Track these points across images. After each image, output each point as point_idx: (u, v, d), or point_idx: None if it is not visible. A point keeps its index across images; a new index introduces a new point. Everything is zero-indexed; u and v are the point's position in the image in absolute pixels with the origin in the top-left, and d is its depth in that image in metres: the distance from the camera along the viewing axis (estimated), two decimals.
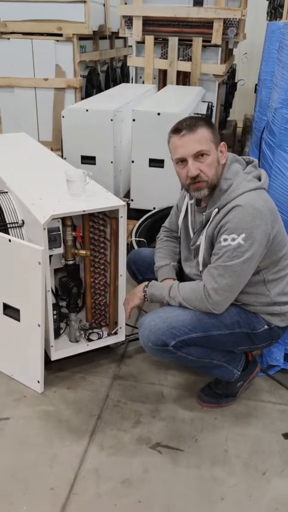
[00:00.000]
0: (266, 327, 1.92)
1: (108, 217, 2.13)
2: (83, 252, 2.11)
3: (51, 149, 4.32)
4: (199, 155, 1.78)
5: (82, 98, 4.59)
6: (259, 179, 1.84)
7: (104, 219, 2.15)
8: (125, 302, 2.09)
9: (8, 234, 2.11)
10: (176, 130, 1.81)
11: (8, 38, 4.60)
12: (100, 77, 5.15)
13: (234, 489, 1.75)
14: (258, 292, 1.87)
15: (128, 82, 5.93)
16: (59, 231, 2.02)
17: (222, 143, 1.84)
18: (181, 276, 2.09)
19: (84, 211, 1.98)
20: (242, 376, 2.07)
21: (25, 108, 4.81)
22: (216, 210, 1.81)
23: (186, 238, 2.05)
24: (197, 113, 3.59)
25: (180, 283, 1.91)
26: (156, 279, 2.10)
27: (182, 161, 1.82)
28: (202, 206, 1.93)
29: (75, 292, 2.17)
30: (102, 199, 2.09)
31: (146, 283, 2.00)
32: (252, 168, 1.87)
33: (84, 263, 2.19)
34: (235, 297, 1.84)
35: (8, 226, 2.13)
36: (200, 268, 1.93)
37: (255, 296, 1.88)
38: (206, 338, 1.83)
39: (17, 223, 2.15)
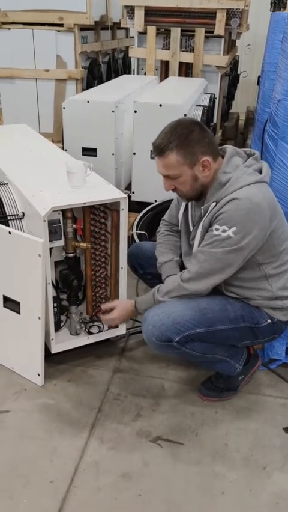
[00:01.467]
0: (269, 321, 1.90)
1: (109, 209, 2.11)
2: (83, 244, 2.09)
3: (52, 141, 4.29)
4: (169, 177, 1.81)
5: (83, 90, 4.54)
6: (260, 172, 1.81)
7: (105, 211, 2.13)
8: (113, 319, 2.12)
9: (8, 226, 2.09)
10: (152, 145, 1.82)
11: (9, 28, 4.54)
12: (101, 68, 5.10)
13: (235, 483, 1.74)
14: (260, 288, 1.86)
15: (129, 73, 5.88)
16: (60, 223, 2.00)
17: (205, 158, 1.75)
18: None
19: (85, 203, 1.96)
20: (244, 370, 2.06)
21: (26, 99, 4.76)
22: (214, 203, 1.79)
23: (186, 233, 2.03)
24: (199, 105, 3.55)
25: (160, 285, 1.95)
26: (158, 274, 2.09)
27: None
28: (201, 200, 1.91)
29: (76, 285, 2.16)
30: (103, 191, 2.07)
31: (133, 303, 2.04)
32: (253, 161, 1.84)
33: (84, 256, 2.17)
34: (217, 283, 1.83)
35: (8, 218, 2.11)
36: None
37: (257, 291, 1.86)
38: (210, 332, 1.82)
39: (17, 215, 2.13)
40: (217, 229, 1.74)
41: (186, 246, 2.03)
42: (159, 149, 1.77)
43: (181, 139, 1.74)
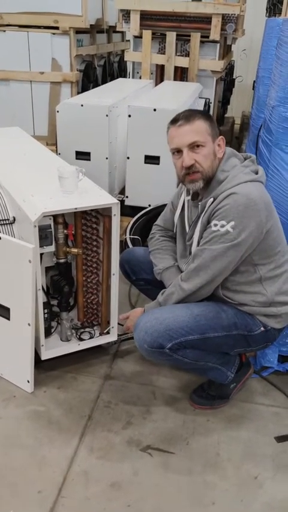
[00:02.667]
0: (262, 329, 1.89)
1: (101, 214, 2.09)
2: (75, 250, 2.07)
3: (47, 144, 4.28)
4: (194, 146, 1.79)
5: (78, 93, 4.52)
6: (257, 173, 1.83)
7: (96, 216, 2.11)
8: (128, 327, 2.10)
9: None
10: (174, 120, 1.83)
11: (4, 31, 4.52)
12: (97, 72, 5.09)
13: (226, 493, 1.72)
14: (255, 292, 1.84)
15: (125, 76, 5.87)
16: (51, 228, 1.99)
17: (221, 137, 1.83)
18: None
19: (76, 208, 1.94)
20: (236, 378, 2.05)
21: (20, 102, 4.73)
22: (212, 199, 1.80)
23: (182, 234, 2.01)
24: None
25: (163, 292, 1.94)
26: (151, 280, 2.07)
27: (178, 151, 1.82)
28: (198, 199, 1.90)
29: (67, 291, 2.14)
30: (95, 197, 2.05)
31: (142, 310, 2.01)
32: (250, 162, 1.87)
33: (76, 261, 2.15)
34: (215, 284, 1.81)
35: None
36: None
37: (252, 295, 1.84)
38: (202, 340, 1.80)
39: (8, 220, 2.11)
40: (216, 225, 1.74)
41: (182, 248, 2.01)
42: (187, 117, 1.79)
43: (206, 114, 1.86)
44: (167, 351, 1.78)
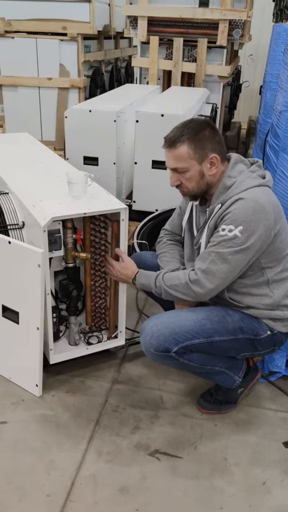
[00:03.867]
0: (268, 332, 1.89)
1: (109, 219, 2.10)
2: (83, 254, 2.08)
3: (54, 149, 4.31)
4: (177, 170, 1.82)
5: (86, 98, 4.56)
6: (264, 178, 1.84)
7: (105, 221, 2.13)
8: (112, 269, 2.10)
9: (8, 235, 2.09)
10: (164, 139, 1.85)
11: (13, 37, 4.57)
12: (104, 77, 5.12)
13: (234, 498, 1.72)
14: (262, 294, 1.85)
15: (132, 82, 5.90)
16: (60, 233, 2.00)
17: (213, 155, 1.79)
18: None
19: (85, 213, 1.95)
20: (243, 383, 2.05)
21: (29, 107, 4.78)
22: (220, 205, 1.81)
23: (190, 238, 2.03)
24: (201, 115, 3.55)
25: (166, 272, 1.93)
26: None
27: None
28: (206, 204, 1.91)
29: (75, 295, 2.15)
30: (103, 202, 2.07)
31: (136, 272, 2.02)
32: (257, 168, 1.87)
33: (84, 266, 2.16)
34: (223, 287, 1.82)
35: (8, 227, 2.11)
36: None
37: (259, 298, 1.85)
38: (208, 344, 1.81)
39: (18, 224, 2.12)
40: (223, 230, 1.75)
41: (190, 252, 2.02)
42: (170, 141, 1.80)
43: (193, 133, 1.78)
44: (173, 354, 1.79)
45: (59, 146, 4.51)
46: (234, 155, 1.88)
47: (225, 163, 1.85)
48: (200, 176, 1.82)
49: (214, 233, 1.81)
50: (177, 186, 1.87)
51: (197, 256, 1.95)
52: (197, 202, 1.97)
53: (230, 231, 1.73)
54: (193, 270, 1.83)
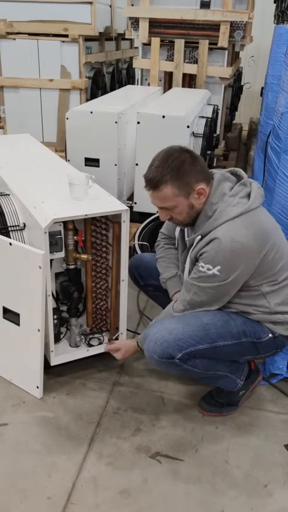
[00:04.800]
0: (270, 335, 1.88)
1: (110, 221, 2.10)
2: (84, 256, 2.08)
3: (55, 151, 4.30)
4: (164, 208, 1.80)
5: (87, 100, 4.56)
6: (249, 197, 1.77)
7: (106, 223, 2.12)
8: (118, 353, 2.16)
9: (9, 237, 2.08)
10: (144, 179, 1.79)
11: (14, 39, 4.57)
12: (106, 79, 5.12)
13: (235, 501, 1.71)
14: (258, 304, 1.84)
15: (133, 83, 5.91)
16: (61, 234, 2.00)
17: (199, 186, 1.74)
18: None
19: (86, 215, 1.95)
20: (245, 385, 2.04)
21: (30, 109, 4.78)
22: (199, 236, 1.79)
23: (183, 250, 2.01)
24: (203, 116, 3.55)
25: (155, 321, 1.98)
26: (159, 286, 2.08)
27: None
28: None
29: (76, 297, 2.14)
30: (104, 203, 2.06)
31: (135, 344, 2.08)
32: (240, 187, 1.79)
33: (85, 267, 2.16)
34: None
35: (9, 229, 2.11)
36: None
37: (255, 307, 1.85)
38: (212, 349, 1.80)
39: (18, 226, 2.12)
40: (202, 267, 1.75)
41: (183, 263, 2.01)
42: (153, 183, 1.74)
43: (174, 171, 1.71)
44: (177, 361, 1.78)
45: (60, 147, 4.51)
46: (217, 175, 1.80)
47: (210, 184, 1.78)
48: (190, 208, 1.78)
49: (195, 265, 1.81)
50: (169, 219, 1.85)
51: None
52: None
53: (209, 269, 1.72)
54: (179, 299, 1.88)
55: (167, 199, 1.75)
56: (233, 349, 1.85)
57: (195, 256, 1.81)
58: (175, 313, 1.87)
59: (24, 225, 2.11)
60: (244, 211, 1.72)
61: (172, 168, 1.71)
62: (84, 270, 2.18)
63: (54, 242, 1.98)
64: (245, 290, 1.81)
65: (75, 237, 2.05)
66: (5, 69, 4.74)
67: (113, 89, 5.12)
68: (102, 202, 2.07)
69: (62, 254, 2.05)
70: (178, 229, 2.03)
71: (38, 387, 2.09)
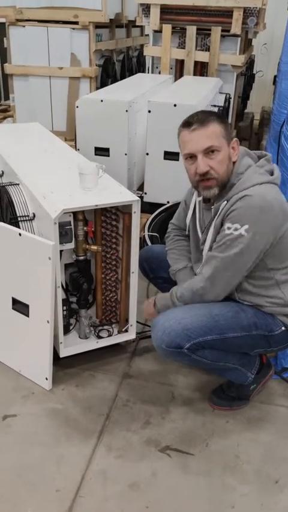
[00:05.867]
0: (283, 328, 1.84)
1: (121, 212, 2.07)
2: (94, 247, 2.05)
3: (65, 140, 4.27)
4: (209, 151, 1.72)
5: (97, 88, 4.51)
6: (272, 174, 1.77)
7: (116, 213, 2.09)
8: (145, 314, 2.09)
9: (19, 227, 2.06)
10: (187, 123, 1.75)
11: (24, 26, 4.53)
12: (116, 67, 5.06)
13: (246, 497, 1.69)
14: (271, 295, 1.81)
15: (144, 72, 5.84)
16: (70, 225, 1.97)
17: (235, 139, 1.77)
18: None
19: (96, 205, 1.92)
20: (256, 379, 2.01)
21: (39, 97, 4.75)
22: (225, 202, 1.75)
23: (195, 239, 1.98)
24: (214, 105, 3.49)
25: (177, 287, 1.90)
26: (169, 278, 2.05)
27: (191, 157, 1.76)
28: (211, 202, 1.86)
29: (86, 288, 2.12)
30: (115, 194, 2.03)
31: (153, 300, 1.98)
32: (264, 162, 1.80)
33: (95, 259, 2.13)
34: (230, 289, 1.79)
35: (19, 219, 2.08)
36: None
37: (269, 298, 1.81)
38: (221, 340, 1.77)
39: (28, 216, 2.09)
40: (229, 228, 1.70)
41: (196, 253, 1.98)
42: (201, 120, 1.71)
43: (218, 115, 1.77)
44: (185, 351, 1.75)
45: (70, 136, 4.47)
46: (241, 149, 1.81)
47: None
48: (229, 160, 1.75)
49: (220, 231, 1.76)
50: (205, 174, 1.73)
51: (203, 256, 1.91)
52: (200, 198, 1.92)
53: (236, 229, 1.67)
54: (200, 274, 1.81)
55: (215, 137, 1.70)
56: (243, 341, 1.82)
57: (220, 223, 1.76)
58: (197, 290, 1.79)
59: (34, 215, 2.09)
60: (271, 181, 1.72)
61: (215, 113, 1.80)
62: (94, 261, 2.16)
63: (64, 233, 1.96)
64: (259, 278, 1.78)
65: (85, 228, 2.02)
66: (14, 57, 4.70)
67: (123, 77, 5.06)
68: (112, 192, 2.04)
69: (71, 245, 2.02)
70: (189, 216, 1.99)
71: (47, 378, 2.08)
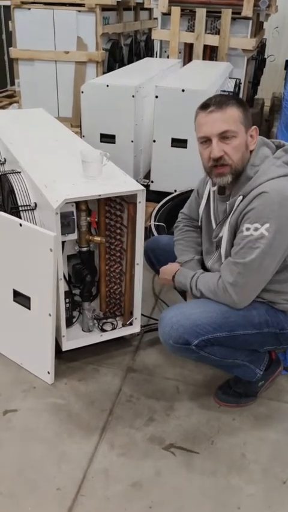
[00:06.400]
0: None
1: (125, 201, 1.99)
2: (97, 238, 1.98)
3: (71, 126, 4.19)
4: (225, 136, 1.63)
5: (104, 73, 4.40)
6: None
7: (121, 203, 2.02)
8: (160, 277, 2.01)
9: (20, 217, 2.00)
10: (204, 105, 1.67)
11: (29, 8, 4.41)
12: (123, 51, 4.94)
13: (252, 498, 1.64)
14: (285, 291, 1.73)
15: (152, 56, 5.71)
16: (73, 215, 1.90)
17: (254, 127, 1.68)
18: (205, 269, 1.94)
19: (99, 195, 1.84)
20: (264, 375, 1.95)
21: (45, 83, 4.64)
22: (241, 197, 1.66)
23: (208, 230, 1.90)
24: (224, 90, 3.38)
25: (201, 275, 1.79)
26: None
27: (206, 140, 1.67)
28: (226, 194, 1.78)
29: (89, 280, 2.06)
30: (119, 183, 1.95)
31: (177, 268, 1.90)
32: (282, 153, 1.71)
33: (99, 250, 2.07)
34: (256, 294, 1.70)
35: (20, 209, 2.02)
36: (223, 260, 1.79)
37: (283, 294, 1.74)
38: (231, 337, 1.70)
39: (29, 206, 2.03)
40: (248, 229, 1.61)
41: (208, 244, 1.91)
42: (219, 103, 1.63)
43: (238, 100, 1.68)
44: (193, 347, 1.69)
45: (76, 123, 4.38)
46: (258, 138, 1.72)
47: None
48: (245, 148, 1.66)
49: (237, 233, 1.67)
50: (218, 159, 1.65)
51: (216, 248, 1.83)
52: (214, 188, 1.84)
53: (256, 229, 1.58)
54: (220, 277, 1.70)
55: (232, 122, 1.62)
56: (253, 339, 1.75)
57: (236, 221, 1.67)
58: (222, 292, 1.69)
59: (36, 205, 2.02)
60: None
61: (235, 98, 1.70)
62: (97, 252, 2.09)
63: (67, 223, 1.89)
64: (276, 274, 1.70)
65: (88, 218, 1.95)
66: (20, 40, 4.59)
67: (130, 62, 4.94)
68: (117, 181, 1.96)
69: (74, 236, 1.95)
70: (203, 206, 1.92)
71: (49, 372, 2.03)
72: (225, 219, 1.75)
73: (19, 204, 2.02)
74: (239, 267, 1.63)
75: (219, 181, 1.71)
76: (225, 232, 1.74)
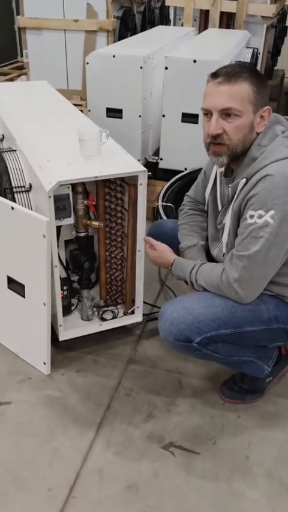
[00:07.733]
0: None
1: (126, 183, 1.85)
2: (95, 223, 1.85)
3: (81, 99, 4.01)
4: (227, 113, 1.47)
5: (115, 42, 4.19)
6: None
7: (122, 185, 1.87)
8: (152, 251, 1.85)
9: (14, 199, 1.87)
10: (215, 73, 1.50)
11: None
12: (136, 19, 4.69)
13: (255, 504, 1.53)
14: None
15: (167, 24, 5.43)
16: (69, 198, 1.77)
17: (267, 108, 1.50)
18: (209, 257, 1.80)
19: (96, 177, 1.70)
20: (273, 371, 1.82)
21: (54, 53, 4.44)
22: (244, 180, 1.51)
23: (214, 215, 1.75)
24: (240, 61, 3.17)
25: (200, 267, 1.65)
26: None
27: (208, 113, 1.52)
28: (231, 177, 1.62)
29: (87, 267, 1.94)
30: (119, 163, 1.80)
31: (173, 259, 1.76)
32: None
33: (98, 235, 1.94)
34: (265, 286, 1.56)
35: (14, 190, 1.89)
36: (224, 250, 1.65)
37: None
38: (237, 334, 1.57)
39: (24, 187, 1.90)
40: (252, 216, 1.46)
41: (213, 230, 1.76)
42: (229, 74, 1.46)
43: (254, 75, 1.50)
44: (195, 345, 1.56)
45: (86, 96, 4.20)
46: (271, 116, 1.55)
47: None
48: (250, 130, 1.50)
49: (241, 221, 1.52)
50: (216, 137, 1.50)
51: (221, 235, 1.68)
52: (222, 169, 1.68)
53: (260, 217, 1.43)
54: (224, 271, 1.56)
55: (238, 99, 1.45)
56: (261, 335, 1.62)
57: (239, 207, 1.53)
58: (225, 286, 1.55)
59: (30, 186, 1.89)
60: None
61: (252, 71, 1.51)
62: (97, 237, 1.96)
63: (62, 207, 1.76)
64: (285, 265, 1.55)
65: (85, 202, 1.81)
66: (27, 8, 4.38)
67: (144, 30, 4.70)
68: (116, 161, 1.82)
69: (71, 220, 1.83)
70: (209, 190, 1.77)
71: (45, 363, 1.93)
72: (228, 204, 1.60)
73: (13, 185, 1.89)
74: (243, 261, 1.49)
75: (214, 160, 1.56)
76: (227, 220, 1.60)
